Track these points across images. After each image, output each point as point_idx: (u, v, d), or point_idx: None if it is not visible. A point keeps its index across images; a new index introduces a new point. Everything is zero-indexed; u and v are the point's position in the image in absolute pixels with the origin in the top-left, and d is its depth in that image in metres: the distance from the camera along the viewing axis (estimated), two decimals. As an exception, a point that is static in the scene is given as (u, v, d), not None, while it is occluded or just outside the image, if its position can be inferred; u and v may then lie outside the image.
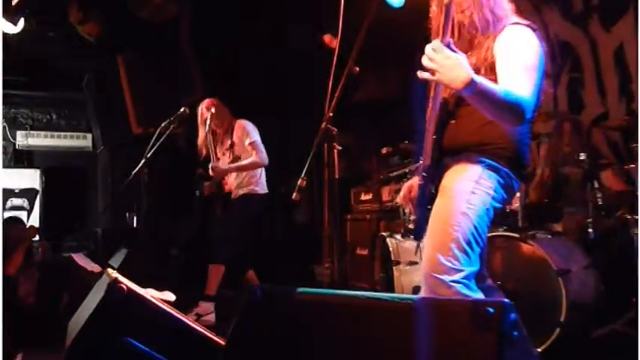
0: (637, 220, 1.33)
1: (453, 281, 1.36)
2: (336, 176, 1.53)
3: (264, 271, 3.26)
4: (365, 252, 3.59)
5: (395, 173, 3.35)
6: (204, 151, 3.22)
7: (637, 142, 1.62)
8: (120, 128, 4.59)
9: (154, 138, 2.96)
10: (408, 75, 1.36)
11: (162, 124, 3.01)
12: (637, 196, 1.46)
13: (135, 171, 2.94)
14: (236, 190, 3.18)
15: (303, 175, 1.52)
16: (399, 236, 2.90)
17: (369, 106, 4.16)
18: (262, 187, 3.23)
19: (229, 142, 3.16)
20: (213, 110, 3.13)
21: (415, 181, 1.61)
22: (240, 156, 3.12)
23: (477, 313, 0.85)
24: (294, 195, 1.52)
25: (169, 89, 4.44)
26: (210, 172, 3.09)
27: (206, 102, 3.20)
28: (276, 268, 4.44)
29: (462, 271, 1.36)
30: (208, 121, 3.11)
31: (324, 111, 1.54)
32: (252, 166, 3.11)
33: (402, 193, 1.67)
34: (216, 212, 3.23)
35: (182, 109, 3.03)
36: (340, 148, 1.53)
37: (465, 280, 1.36)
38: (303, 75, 4.27)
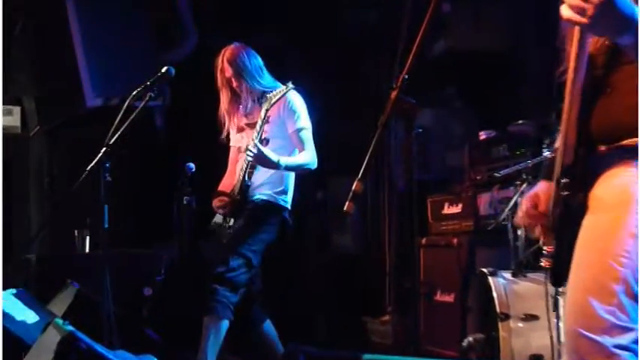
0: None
1: (617, 346, 1.34)
2: (407, 177, 1.62)
3: (290, 324, 3.42)
4: (450, 298, 3.70)
5: (502, 172, 3.37)
6: (226, 124, 3.50)
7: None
8: (65, 99, 4.73)
9: (119, 115, 3.03)
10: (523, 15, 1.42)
11: (133, 93, 3.11)
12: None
13: (90, 166, 3.01)
14: (253, 191, 3.37)
15: (360, 175, 1.55)
16: (508, 274, 2.99)
17: (459, 64, 4.29)
18: (289, 197, 3.45)
19: (261, 114, 3.30)
20: (240, 60, 3.35)
21: (545, 188, 1.65)
22: (269, 141, 3.29)
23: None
24: (347, 205, 1.55)
25: (143, 38, 4.61)
26: (247, 157, 3.24)
27: (231, 48, 3.40)
28: (309, 320, 4.62)
29: (631, 330, 1.35)
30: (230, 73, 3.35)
31: (394, 73, 1.68)
32: (303, 167, 3.36)
33: (522, 208, 1.69)
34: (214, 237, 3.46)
35: (164, 69, 3.14)
36: (419, 130, 1.55)
37: (634, 346, 1.34)
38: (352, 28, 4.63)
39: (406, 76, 1.65)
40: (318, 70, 4.92)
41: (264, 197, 3.39)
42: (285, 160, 3.25)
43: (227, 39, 3.51)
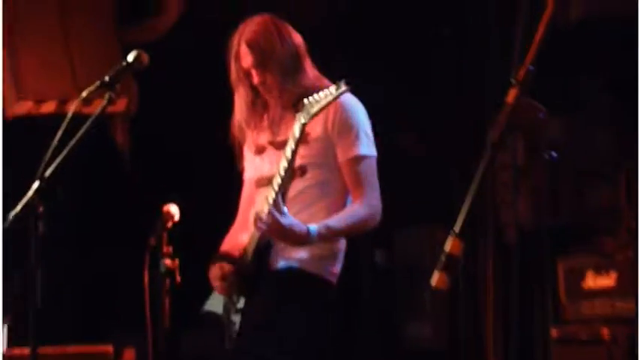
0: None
1: None
2: (528, 223, 2.21)
3: None
4: None
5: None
6: (242, 142, 3.56)
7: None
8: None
9: (62, 128, 2.96)
10: None
11: (82, 95, 3.10)
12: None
13: (13, 214, 2.95)
14: (278, 253, 3.37)
15: (458, 226, 1.78)
16: None
17: (603, 44, 4.42)
18: (338, 264, 3.43)
19: (295, 129, 3.29)
20: (267, 41, 3.36)
21: None
22: (307, 170, 3.31)
23: None
24: (436, 279, 1.76)
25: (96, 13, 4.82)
26: (255, 227, 3.28)
27: (254, 22, 3.43)
28: None
29: None
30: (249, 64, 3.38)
31: (512, 62, 1.93)
32: (357, 228, 3.34)
33: None
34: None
35: (130, 56, 3.15)
36: (552, 153, 1.97)
37: None
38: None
39: (531, 67, 1.83)
40: (373, 70, 5.10)
41: (297, 264, 3.33)
42: (321, 228, 3.21)
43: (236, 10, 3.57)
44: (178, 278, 3.80)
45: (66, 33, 5.29)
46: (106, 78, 3.06)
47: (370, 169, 3.36)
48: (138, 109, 5.02)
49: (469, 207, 1.80)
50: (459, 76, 5.37)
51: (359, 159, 3.32)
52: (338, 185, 3.38)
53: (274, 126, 3.46)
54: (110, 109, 3.19)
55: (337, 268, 3.41)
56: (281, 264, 3.34)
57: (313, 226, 3.18)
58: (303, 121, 3.22)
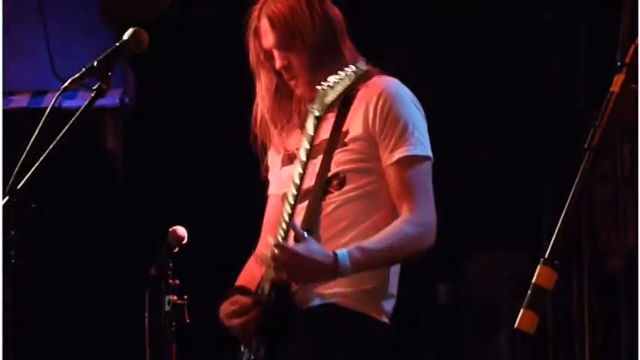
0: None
1: None
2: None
3: None
4: None
5: None
6: (266, 145, 3.59)
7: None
8: None
9: (38, 127, 2.93)
10: None
11: (64, 86, 3.10)
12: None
13: None
14: (309, 289, 3.37)
15: (548, 252, 1.83)
16: None
17: None
18: (390, 298, 3.43)
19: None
20: (293, 13, 3.38)
21: None
22: (345, 180, 3.31)
23: None
24: (520, 320, 1.80)
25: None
26: (268, 262, 3.29)
27: None
28: None
29: None
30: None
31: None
32: (403, 254, 3.30)
33: None
34: None
35: (126, 35, 3.15)
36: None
37: None
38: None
39: None
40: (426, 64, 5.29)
41: (334, 300, 3.31)
42: (354, 253, 3.16)
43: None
44: (187, 319, 3.74)
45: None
46: (94, 63, 3.00)
47: (423, 175, 3.30)
48: (134, 104, 5.07)
49: (562, 228, 1.78)
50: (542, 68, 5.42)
51: (408, 161, 3.26)
52: (389, 198, 3.34)
53: (303, 125, 3.42)
54: (99, 103, 3.13)
55: (390, 304, 3.36)
56: (315, 301, 3.30)
57: (342, 251, 3.11)
58: (316, 113, 3.25)
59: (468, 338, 5.51)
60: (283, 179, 3.48)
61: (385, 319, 3.33)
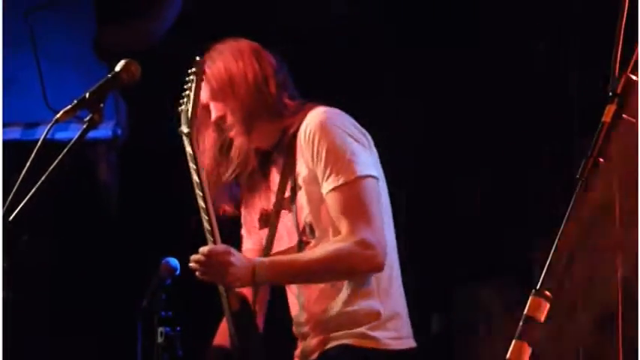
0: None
1: None
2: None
3: None
4: None
5: None
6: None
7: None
8: None
9: (30, 159, 2.92)
10: None
11: (56, 117, 3.06)
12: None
13: None
14: (316, 338, 3.41)
15: (543, 278, 1.88)
16: None
17: None
18: (403, 330, 3.44)
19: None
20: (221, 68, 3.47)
21: None
22: (313, 228, 3.35)
23: None
24: (514, 350, 1.79)
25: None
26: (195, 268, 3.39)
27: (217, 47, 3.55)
28: None
29: None
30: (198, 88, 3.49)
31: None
32: (336, 263, 3.28)
33: None
34: None
35: (119, 65, 3.13)
36: None
37: None
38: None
39: (634, 77, 1.90)
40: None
41: (335, 343, 3.39)
42: (263, 266, 3.30)
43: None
44: (180, 350, 3.71)
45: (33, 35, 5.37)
46: (86, 94, 2.98)
47: (357, 195, 3.25)
48: (127, 136, 5.04)
49: (554, 259, 1.78)
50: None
51: (339, 190, 3.24)
52: None
53: (267, 178, 3.49)
54: (92, 135, 3.12)
55: (393, 326, 3.32)
56: (318, 350, 3.34)
57: (260, 258, 3.31)
58: (185, 130, 3.36)
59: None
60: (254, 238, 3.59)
61: (387, 345, 3.31)
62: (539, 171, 5.24)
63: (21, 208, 2.86)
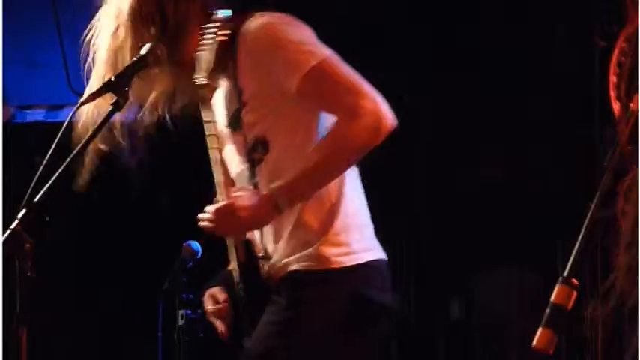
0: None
1: None
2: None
3: None
4: None
5: None
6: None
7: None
8: None
9: (55, 141, 2.86)
10: None
11: (81, 100, 3.11)
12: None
13: None
14: (279, 263, 3.28)
15: (571, 266, 1.83)
16: None
17: None
18: (360, 243, 3.24)
19: (231, 93, 3.29)
20: None
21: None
22: (267, 141, 3.20)
23: None
24: (539, 337, 1.79)
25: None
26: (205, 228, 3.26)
27: None
28: None
29: None
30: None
31: None
32: (343, 145, 3.10)
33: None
34: None
35: (149, 48, 3.12)
36: None
37: None
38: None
39: None
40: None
41: (294, 267, 3.23)
42: (282, 193, 3.05)
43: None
44: (201, 333, 3.73)
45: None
46: (112, 77, 3.01)
47: (329, 73, 3.08)
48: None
49: (581, 247, 1.77)
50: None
51: (309, 75, 3.07)
52: (302, 139, 3.18)
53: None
54: (117, 118, 3.17)
55: (361, 242, 3.16)
56: (290, 267, 3.19)
57: (271, 186, 3.02)
58: (203, 82, 3.17)
59: (482, 357, 5.49)
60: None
61: (340, 263, 3.14)
62: (563, 157, 5.28)
63: (46, 189, 2.83)
